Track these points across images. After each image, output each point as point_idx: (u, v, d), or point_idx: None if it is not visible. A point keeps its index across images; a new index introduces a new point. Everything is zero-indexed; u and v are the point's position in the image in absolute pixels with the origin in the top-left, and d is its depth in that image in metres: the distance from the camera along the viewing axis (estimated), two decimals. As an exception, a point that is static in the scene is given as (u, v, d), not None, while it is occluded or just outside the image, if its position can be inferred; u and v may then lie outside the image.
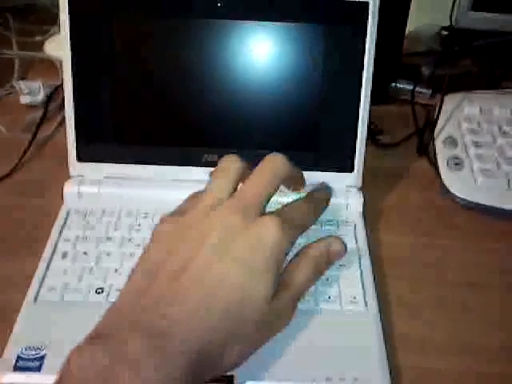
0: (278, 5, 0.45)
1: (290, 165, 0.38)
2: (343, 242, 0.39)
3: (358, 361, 0.38)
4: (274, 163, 0.38)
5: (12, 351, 0.37)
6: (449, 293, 0.45)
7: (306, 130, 0.48)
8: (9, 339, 0.38)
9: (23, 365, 0.37)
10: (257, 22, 0.45)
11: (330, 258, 0.39)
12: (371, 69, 0.47)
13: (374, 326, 0.40)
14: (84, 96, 0.47)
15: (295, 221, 0.37)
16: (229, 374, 0.37)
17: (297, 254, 0.38)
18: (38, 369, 0.36)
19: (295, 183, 0.43)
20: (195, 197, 0.39)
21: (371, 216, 0.51)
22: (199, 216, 0.35)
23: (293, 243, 0.36)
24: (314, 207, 0.41)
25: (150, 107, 0.48)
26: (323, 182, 0.47)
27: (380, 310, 0.42)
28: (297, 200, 0.40)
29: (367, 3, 0.45)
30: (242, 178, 0.38)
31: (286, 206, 0.38)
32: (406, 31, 0.76)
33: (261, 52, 0.46)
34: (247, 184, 0.37)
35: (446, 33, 0.79)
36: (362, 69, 0.46)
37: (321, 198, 0.43)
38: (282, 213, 0.36)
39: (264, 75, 0.47)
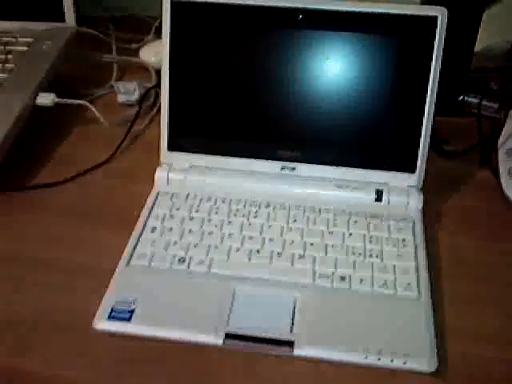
0: (354, 17, 0.50)
1: None
2: None
3: (408, 339, 0.42)
4: None
5: (107, 304, 0.44)
6: (502, 291, 0.48)
7: (374, 133, 0.53)
8: (105, 294, 0.45)
9: (116, 315, 0.43)
10: (334, 32, 0.50)
11: None
12: (437, 78, 0.50)
13: (425, 310, 0.44)
14: (177, 95, 0.54)
15: None
16: (289, 339, 0.42)
17: None
18: (129, 319, 0.43)
19: None
20: None
21: (431, 217, 0.54)
22: None
23: None
24: None
25: (233, 107, 0.54)
26: None
27: (432, 298, 0.45)
28: None
29: (436, 17, 0.49)
30: None
31: None
32: (479, 47, 0.79)
33: (336, 60, 0.51)
34: None
35: (517, 50, 0.81)
36: (429, 78, 0.50)
37: None
38: None
39: (338, 81, 0.52)
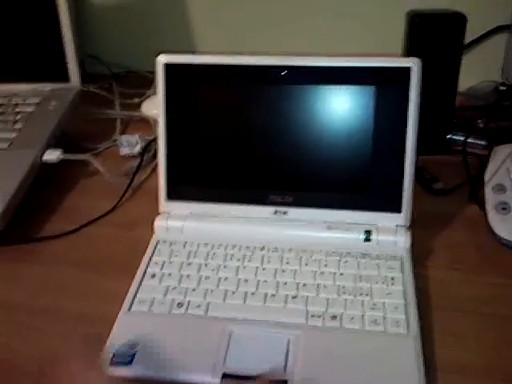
0: (332, 71, 0.53)
1: None
2: None
3: (398, 375, 0.43)
4: None
5: (109, 349, 0.46)
6: (491, 325, 0.50)
7: (360, 176, 0.55)
8: (108, 340, 0.47)
9: (118, 360, 0.45)
10: (314, 85, 0.54)
11: None
12: (416, 122, 0.53)
13: (414, 346, 0.45)
14: (173, 148, 0.57)
15: None
16: (282, 379, 0.43)
17: None
18: (130, 363, 0.45)
19: None
20: None
21: (421, 253, 0.56)
22: None
23: None
24: None
25: (227, 157, 0.57)
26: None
27: (421, 334, 0.47)
28: None
29: (409, 68, 0.52)
30: None
31: None
32: (466, 88, 0.83)
33: (320, 110, 0.54)
34: None
35: (503, 88, 0.84)
36: (407, 123, 0.53)
37: None
38: None
39: (323, 129, 0.55)
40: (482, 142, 0.73)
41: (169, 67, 0.55)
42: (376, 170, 0.55)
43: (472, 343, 0.48)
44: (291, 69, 0.54)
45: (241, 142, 0.57)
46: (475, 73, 0.82)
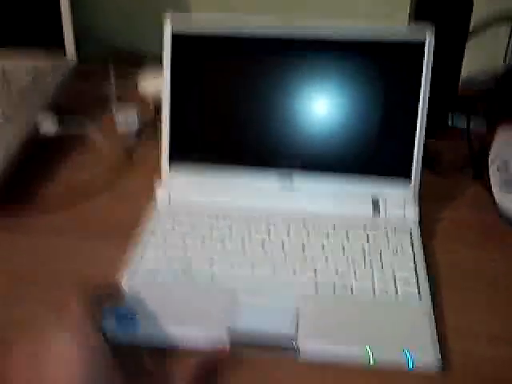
0: (345, 44, 0.53)
1: None
2: None
3: (412, 338, 0.43)
4: None
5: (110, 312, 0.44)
6: (498, 293, 0.49)
7: (370, 149, 0.54)
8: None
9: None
10: (327, 58, 0.53)
11: None
12: (427, 92, 0.53)
13: (427, 317, 0.45)
14: (177, 118, 0.56)
15: None
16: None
17: None
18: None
19: None
20: None
21: (427, 229, 0.55)
22: None
23: None
24: None
25: (232, 127, 0.56)
26: None
27: (432, 304, 0.46)
28: None
29: (423, 43, 0.51)
30: None
31: None
32: (468, 71, 0.82)
33: (329, 84, 0.54)
34: None
35: (503, 73, 0.84)
36: (419, 96, 0.53)
37: None
38: None
39: (330, 104, 0.54)
40: (484, 123, 0.73)
41: (176, 38, 0.54)
42: (386, 145, 0.54)
43: (483, 313, 0.48)
44: (302, 41, 0.53)
45: (248, 113, 0.55)
46: (476, 59, 0.82)
